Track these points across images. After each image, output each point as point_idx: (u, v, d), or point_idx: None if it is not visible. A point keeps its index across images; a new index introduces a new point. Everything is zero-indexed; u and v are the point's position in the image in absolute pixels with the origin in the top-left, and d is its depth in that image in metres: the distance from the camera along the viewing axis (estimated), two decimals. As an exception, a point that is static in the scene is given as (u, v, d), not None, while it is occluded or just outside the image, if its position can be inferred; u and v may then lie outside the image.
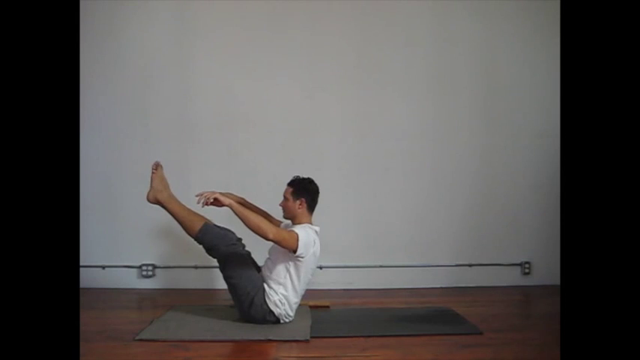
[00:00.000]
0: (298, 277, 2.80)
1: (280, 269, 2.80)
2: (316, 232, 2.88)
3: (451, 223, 3.87)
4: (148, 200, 2.87)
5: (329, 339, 2.59)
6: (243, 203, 2.93)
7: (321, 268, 3.51)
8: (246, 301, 2.76)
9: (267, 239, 2.66)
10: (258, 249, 2.93)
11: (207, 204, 2.70)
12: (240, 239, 2.89)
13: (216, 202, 2.73)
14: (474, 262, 3.86)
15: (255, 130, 3.82)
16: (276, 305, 2.76)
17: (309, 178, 2.97)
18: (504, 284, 3.82)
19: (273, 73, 3.82)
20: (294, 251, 2.71)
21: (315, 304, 3.19)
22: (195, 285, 3.74)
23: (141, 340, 2.53)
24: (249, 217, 2.69)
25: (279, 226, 2.94)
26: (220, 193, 2.73)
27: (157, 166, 2.91)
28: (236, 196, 2.96)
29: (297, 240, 2.71)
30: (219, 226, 2.85)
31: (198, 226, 2.79)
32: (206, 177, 3.66)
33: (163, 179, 2.90)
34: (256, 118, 3.83)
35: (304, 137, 3.83)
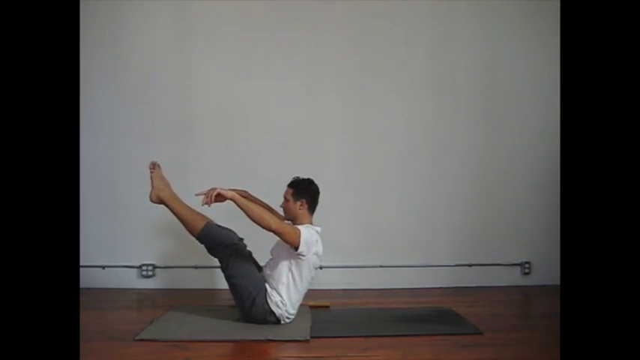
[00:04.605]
0: (300, 276, 2.80)
1: (282, 268, 2.79)
2: (317, 232, 2.88)
3: (451, 223, 3.87)
4: (151, 200, 2.87)
5: (329, 339, 2.59)
6: (246, 196, 2.90)
7: (321, 268, 3.50)
8: (248, 301, 2.75)
9: (270, 230, 2.66)
10: (259, 249, 2.93)
11: (209, 203, 2.69)
12: (241, 239, 2.89)
13: (219, 197, 2.70)
14: (473, 262, 3.86)
15: (255, 130, 3.82)
16: (277, 306, 2.76)
17: (309, 179, 2.96)
18: (504, 284, 3.82)
19: (274, 73, 3.82)
20: (296, 248, 2.71)
21: (315, 304, 3.19)
22: (195, 285, 3.73)
23: (141, 340, 2.53)
24: (252, 208, 2.69)
25: (282, 220, 2.92)
26: (221, 188, 2.71)
27: (154, 166, 2.91)
28: (238, 189, 2.91)
29: (300, 236, 2.70)
30: (221, 226, 2.85)
31: (200, 225, 2.79)
32: (206, 177, 3.64)
33: (163, 178, 2.90)
34: (256, 118, 3.83)
35: (304, 137, 3.83)
